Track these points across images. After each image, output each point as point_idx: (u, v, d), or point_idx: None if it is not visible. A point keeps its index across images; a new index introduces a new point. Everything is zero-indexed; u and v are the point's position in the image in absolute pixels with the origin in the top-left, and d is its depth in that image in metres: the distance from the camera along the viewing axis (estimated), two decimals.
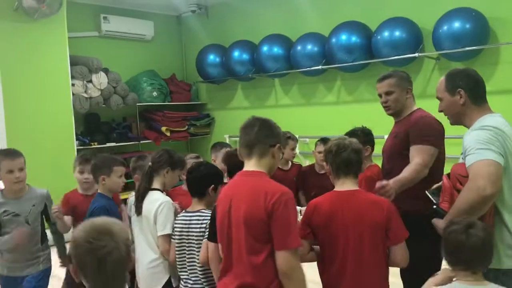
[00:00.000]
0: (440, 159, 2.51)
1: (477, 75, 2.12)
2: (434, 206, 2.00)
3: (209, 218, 2.36)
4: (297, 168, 3.92)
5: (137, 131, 6.98)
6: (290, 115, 6.38)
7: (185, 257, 2.43)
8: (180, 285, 2.49)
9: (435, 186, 2.11)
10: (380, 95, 2.72)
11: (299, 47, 5.77)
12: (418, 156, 2.41)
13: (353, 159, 2.04)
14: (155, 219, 2.56)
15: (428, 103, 5.60)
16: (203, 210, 2.42)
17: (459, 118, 2.11)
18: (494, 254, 1.84)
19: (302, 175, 3.91)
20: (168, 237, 2.54)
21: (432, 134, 2.47)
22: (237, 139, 8.14)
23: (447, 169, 2.46)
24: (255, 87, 6.82)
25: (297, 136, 6.12)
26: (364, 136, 3.07)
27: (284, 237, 1.75)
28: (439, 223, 1.95)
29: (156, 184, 2.69)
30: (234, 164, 2.28)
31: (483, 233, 1.68)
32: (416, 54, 4.88)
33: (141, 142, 6.84)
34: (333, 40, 5.41)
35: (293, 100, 6.43)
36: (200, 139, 7.56)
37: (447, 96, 2.11)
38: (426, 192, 2.09)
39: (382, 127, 5.40)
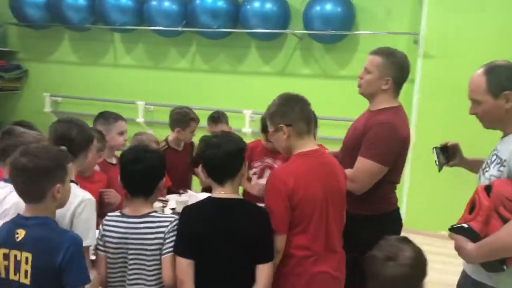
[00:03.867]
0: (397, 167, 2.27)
1: None
2: (465, 225, 1.68)
3: (166, 223, 1.77)
4: (190, 145, 3.46)
5: None
6: (132, 78, 5.65)
7: (125, 277, 1.78)
8: None
9: (443, 143, 1.95)
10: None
11: (154, 2, 5.07)
12: (355, 168, 2.16)
13: None
14: (71, 223, 1.80)
15: (286, 82, 5.57)
16: (154, 214, 1.80)
17: (499, 123, 1.79)
18: None
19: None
20: (89, 250, 1.84)
21: (382, 151, 2.12)
22: (59, 98, 6.85)
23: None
24: (88, 40, 5.75)
25: (143, 103, 5.48)
26: None
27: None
28: (467, 245, 1.66)
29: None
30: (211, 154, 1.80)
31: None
32: (288, 31, 4.79)
33: None
34: (197, 1, 4.91)
35: (137, 61, 5.66)
36: (10, 95, 6.08)
37: (489, 99, 1.74)
38: (433, 148, 1.93)
39: (237, 101, 5.26)
